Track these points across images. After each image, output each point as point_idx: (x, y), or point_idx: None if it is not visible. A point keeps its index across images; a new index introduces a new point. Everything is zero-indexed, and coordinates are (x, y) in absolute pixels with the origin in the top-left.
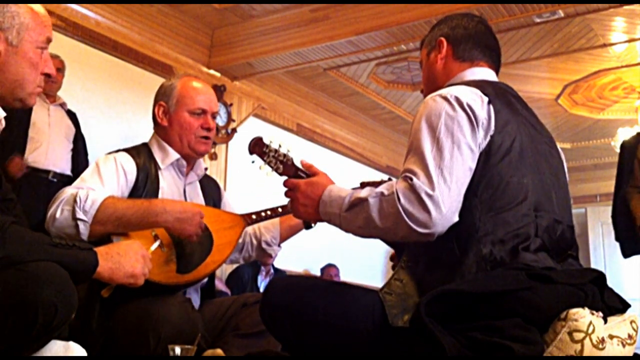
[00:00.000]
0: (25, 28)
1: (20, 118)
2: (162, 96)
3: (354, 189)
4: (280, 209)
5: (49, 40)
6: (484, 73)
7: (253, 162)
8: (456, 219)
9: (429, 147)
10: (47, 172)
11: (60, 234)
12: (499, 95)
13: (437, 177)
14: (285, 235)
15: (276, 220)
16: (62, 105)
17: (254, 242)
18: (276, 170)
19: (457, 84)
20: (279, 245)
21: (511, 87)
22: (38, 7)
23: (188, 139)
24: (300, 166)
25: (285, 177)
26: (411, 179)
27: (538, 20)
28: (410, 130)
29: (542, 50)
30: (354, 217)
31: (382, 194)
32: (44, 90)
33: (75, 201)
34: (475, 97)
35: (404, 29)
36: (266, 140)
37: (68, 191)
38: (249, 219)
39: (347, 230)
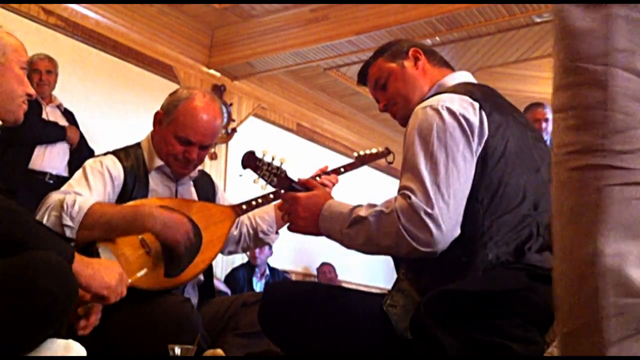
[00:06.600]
0: (10, 49)
1: (33, 131)
2: (165, 105)
3: (345, 165)
4: (271, 195)
5: (25, 65)
6: (464, 75)
7: (241, 175)
8: (457, 232)
9: (424, 162)
10: (44, 174)
11: None
12: (487, 97)
13: (435, 194)
14: (281, 222)
15: (270, 208)
16: (59, 106)
17: (251, 232)
18: (270, 183)
19: (444, 92)
20: (276, 233)
21: (491, 87)
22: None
23: (167, 158)
24: (293, 179)
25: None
26: (409, 197)
27: (538, 20)
28: (403, 142)
29: (542, 50)
30: (355, 235)
31: (381, 212)
32: (38, 92)
33: (62, 207)
34: (466, 105)
35: (404, 29)
36: (259, 154)
37: (55, 197)
38: (239, 209)
39: (348, 247)
